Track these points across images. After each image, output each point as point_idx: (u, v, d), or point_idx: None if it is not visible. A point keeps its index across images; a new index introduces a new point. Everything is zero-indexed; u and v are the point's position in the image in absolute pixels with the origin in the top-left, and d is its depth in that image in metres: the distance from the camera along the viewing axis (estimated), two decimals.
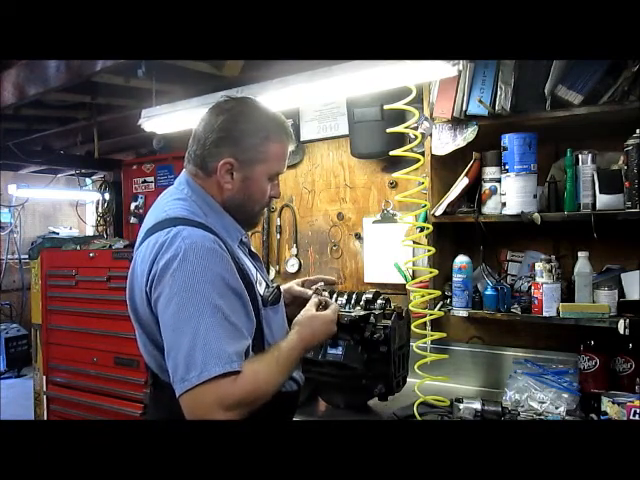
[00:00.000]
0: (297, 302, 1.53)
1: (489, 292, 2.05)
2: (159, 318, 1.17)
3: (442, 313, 2.10)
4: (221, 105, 1.33)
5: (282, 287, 1.55)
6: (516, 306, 2.01)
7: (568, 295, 1.94)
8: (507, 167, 1.99)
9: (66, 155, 4.71)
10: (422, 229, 2.15)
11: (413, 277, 2.39)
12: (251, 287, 1.25)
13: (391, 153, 2.13)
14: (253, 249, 1.44)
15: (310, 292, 1.55)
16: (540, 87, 1.89)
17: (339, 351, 1.87)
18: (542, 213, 1.95)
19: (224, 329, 1.12)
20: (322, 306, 1.45)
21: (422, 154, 2.06)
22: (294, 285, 1.61)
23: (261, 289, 1.30)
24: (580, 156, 1.91)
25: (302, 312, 1.40)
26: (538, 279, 1.94)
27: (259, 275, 1.34)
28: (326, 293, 1.54)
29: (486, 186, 2.08)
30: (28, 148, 4.38)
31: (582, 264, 1.91)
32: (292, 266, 2.94)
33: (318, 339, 1.38)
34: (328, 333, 1.40)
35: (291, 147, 1.38)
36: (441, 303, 2.16)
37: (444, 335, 2.08)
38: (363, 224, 2.70)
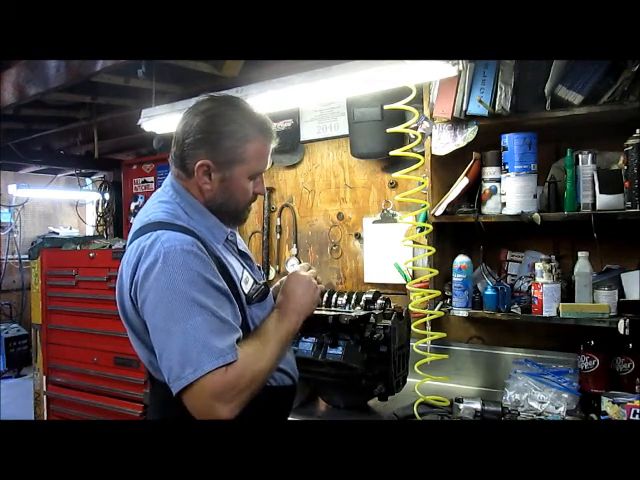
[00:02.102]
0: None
1: (489, 292, 2.05)
2: (147, 322, 1.20)
3: (442, 313, 2.10)
4: (199, 106, 1.33)
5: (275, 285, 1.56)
6: (516, 306, 2.01)
7: (568, 295, 1.94)
8: (507, 167, 1.99)
9: (66, 155, 4.72)
10: (422, 229, 2.15)
11: (413, 277, 2.39)
12: (234, 285, 1.27)
13: (391, 153, 2.13)
14: (243, 248, 1.44)
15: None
16: (540, 87, 1.89)
17: (339, 351, 1.87)
18: (542, 213, 1.95)
19: (213, 325, 1.14)
20: None
21: (422, 154, 2.06)
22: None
23: (247, 287, 1.31)
24: (580, 156, 1.91)
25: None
26: (538, 279, 1.94)
27: (246, 273, 1.34)
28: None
29: (486, 186, 2.08)
30: (28, 148, 4.38)
31: (582, 264, 1.91)
32: (292, 266, 2.93)
33: (301, 298, 1.37)
34: (312, 292, 1.40)
35: (273, 144, 1.36)
36: (441, 303, 2.16)
37: (444, 335, 2.08)
38: (363, 224, 2.70)
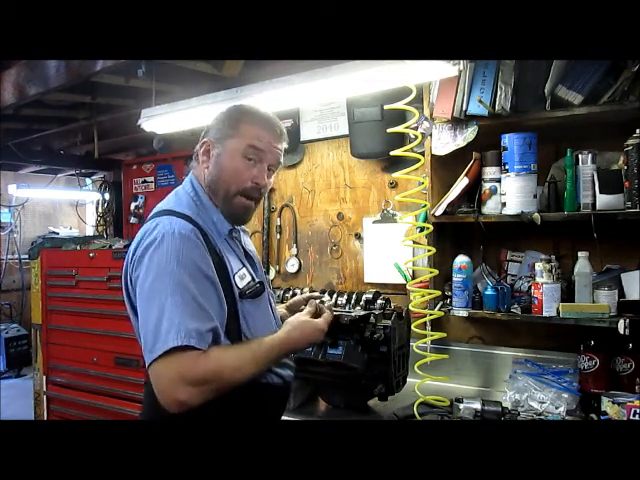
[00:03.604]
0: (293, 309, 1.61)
1: (489, 292, 2.05)
2: (137, 296, 1.26)
3: (442, 313, 2.10)
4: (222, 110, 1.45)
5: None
6: (516, 306, 2.01)
7: (568, 295, 1.94)
8: (507, 167, 1.99)
9: (66, 155, 4.72)
10: (422, 229, 2.15)
11: (413, 277, 2.39)
12: (226, 278, 1.31)
13: (391, 153, 2.13)
14: (249, 250, 1.49)
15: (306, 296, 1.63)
16: (540, 87, 1.89)
17: (339, 351, 1.87)
18: (542, 213, 1.95)
19: (190, 307, 1.19)
20: (317, 314, 1.49)
21: (422, 154, 2.06)
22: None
23: (241, 283, 1.36)
24: (580, 156, 1.91)
25: (297, 315, 1.45)
26: (538, 279, 1.94)
27: (243, 270, 1.38)
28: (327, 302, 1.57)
29: (486, 186, 2.08)
30: (28, 148, 4.38)
31: (582, 264, 1.91)
32: (292, 266, 2.94)
33: (304, 343, 1.42)
34: (314, 340, 1.44)
35: (279, 142, 1.43)
36: (441, 303, 2.16)
37: (444, 335, 2.08)
38: (363, 224, 2.70)
